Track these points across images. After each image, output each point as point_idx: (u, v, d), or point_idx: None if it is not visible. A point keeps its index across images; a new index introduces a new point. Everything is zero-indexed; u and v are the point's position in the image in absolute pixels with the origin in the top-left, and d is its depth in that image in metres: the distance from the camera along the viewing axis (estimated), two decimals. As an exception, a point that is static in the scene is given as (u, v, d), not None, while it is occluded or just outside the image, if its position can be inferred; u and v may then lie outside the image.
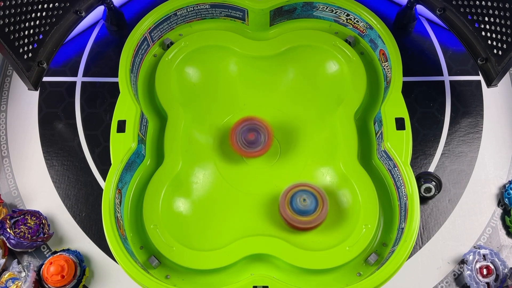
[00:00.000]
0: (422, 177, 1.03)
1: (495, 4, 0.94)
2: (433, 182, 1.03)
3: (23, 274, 0.97)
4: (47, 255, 1.03)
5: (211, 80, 1.11)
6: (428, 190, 1.02)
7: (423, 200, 1.04)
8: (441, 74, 1.17)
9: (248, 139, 1.01)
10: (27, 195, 1.08)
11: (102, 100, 1.15)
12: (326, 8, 1.11)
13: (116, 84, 1.03)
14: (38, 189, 1.08)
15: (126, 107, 0.99)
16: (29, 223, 1.02)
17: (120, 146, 0.96)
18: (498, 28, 0.96)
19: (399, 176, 0.95)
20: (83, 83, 1.17)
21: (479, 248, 1.00)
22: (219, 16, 1.14)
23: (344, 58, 1.08)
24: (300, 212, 0.95)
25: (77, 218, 1.06)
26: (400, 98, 0.99)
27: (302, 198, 0.95)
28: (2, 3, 0.91)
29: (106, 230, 0.90)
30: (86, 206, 1.07)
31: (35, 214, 1.03)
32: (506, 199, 1.04)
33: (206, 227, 0.99)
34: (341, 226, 0.97)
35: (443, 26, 1.19)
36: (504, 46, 0.95)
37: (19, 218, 1.02)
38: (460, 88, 1.16)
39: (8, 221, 1.00)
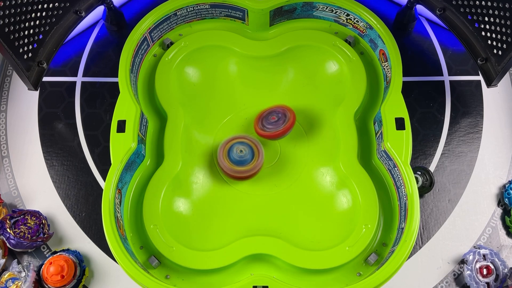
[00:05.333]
0: None
1: (495, 4, 0.95)
2: (418, 172, 1.03)
3: (23, 274, 0.97)
4: (47, 255, 1.03)
5: (211, 80, 1.11)
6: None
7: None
8: (441, 74, 1.17)
9: (270, 120, 1.03)
10: (27, 195, 1.08)
11: (102, 100, 1.15)
12: (326, 8, 1.11)
13: (116, 84, 1.03)
14: (38, 189, 1.08)
15: (126, 107, 0.99)
16: (29, 223, 1.02)
17: (120, 146, 0.96)
18: (498, 28, 0.96)
19: (399, 176, 0.95)
20: (83, 83, 1.18)
21: (479, 248, 1.00)
22: (219, 16, 1.14)
23: (344, 58, 1.08)
24: (238, 162, 0.99)
25: (77, 218, 1.06)
26: (400, 98, 0.99)
27: (239, 149, 0.99)
28: (2, 3, 0.91)
29: (106, 230, 0.90)
30: (86, 206, 1.07)
31: (35, 214, 1.03)
32: (506, 199, 1.04)
33: (206, 227, 0.99)
34: (341, 226, 0.97)
35: (443, 26, 1.19)
36: (504, 46, 0.95)
37: (19, 218, 1.02)
38: (460, 88, 1.16)
39: (8, 221, 1.01)
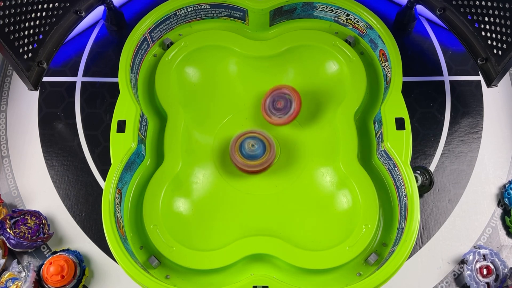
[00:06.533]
0: None
1: (495, 4, 0.95)
2: (417, 171, 1.04)
3: (23, 274, 0.97)
4: (47, 255, 1.03)
5: (211, 80, 1.11)
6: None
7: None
8: (441, 74, 1.17)
9: (277, 107, 1.04)
10: (27, 195, 1.08)
11: (102, 100, 1.15)
12: (326, 8, 1.11)
13: (116, 84, 1.03)
14: (38, 189, 1.08)
15: (126, 107, 0.99)
16: (29, 223, 1.02)
17: (120, 146, 0.96)
18: (498, 28, 0.96)
19: (399, 176, 0.95)
20: (83, 83, 1.18)
21: (479, 248, 1.00)
22: (219, 16, 1.14)
23: (344, 58, 1.08)
24: (249, 156, 1.00)
25: (77, 218, 1.06)
26: (400, 98, 0.99)
27: (251, 144, 1.00)
28: (2, 3, 0.91)
29: (106, 230, 0.90)
30: (86, 206, 1.07)
31: (35, 214, 1.03)
32: (506, 199, 1.04)
33: (206, 227, 0.99)
34: (341, 226, 0.97)
35: (443, 26, 1.19)
36: (504, 46, 0.95)
37: (19, 218, 1.02)
38: (460, 88, 1.16)
39: (8, 221, 1.01)
